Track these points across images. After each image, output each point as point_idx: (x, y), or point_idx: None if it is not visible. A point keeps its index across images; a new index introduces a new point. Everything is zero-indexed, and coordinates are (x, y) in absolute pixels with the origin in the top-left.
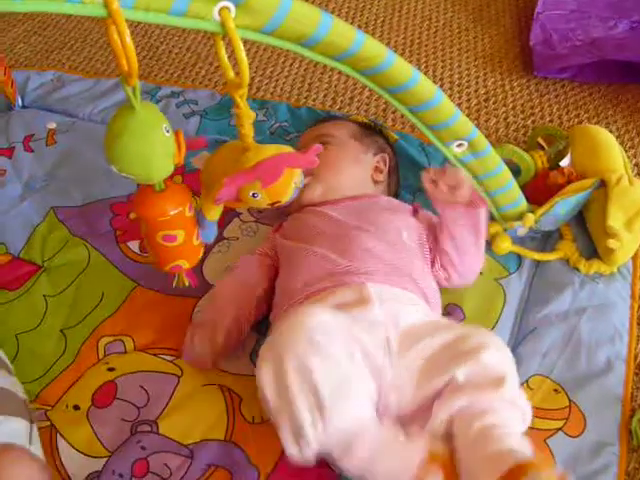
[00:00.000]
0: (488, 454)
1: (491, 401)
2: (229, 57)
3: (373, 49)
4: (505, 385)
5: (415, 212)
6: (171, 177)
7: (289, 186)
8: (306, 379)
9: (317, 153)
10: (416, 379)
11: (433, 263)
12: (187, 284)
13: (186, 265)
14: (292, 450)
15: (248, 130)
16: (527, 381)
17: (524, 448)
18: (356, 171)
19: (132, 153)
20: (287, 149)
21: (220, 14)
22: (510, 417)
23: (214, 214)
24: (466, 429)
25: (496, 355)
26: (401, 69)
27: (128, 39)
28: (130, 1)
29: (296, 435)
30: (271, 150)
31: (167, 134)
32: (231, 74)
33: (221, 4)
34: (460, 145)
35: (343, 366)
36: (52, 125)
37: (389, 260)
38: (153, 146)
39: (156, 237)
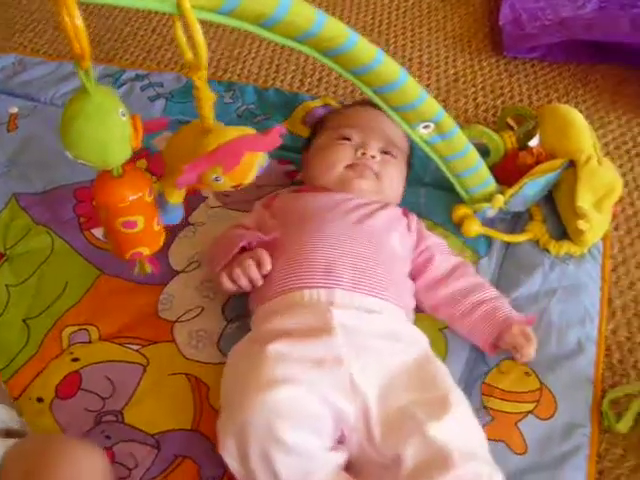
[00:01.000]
0: None
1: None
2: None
3: (335, 29)
4: (455, 465)
5: (405, 214)
6: (134, 160)
7: (252, 168)
8: (269, 468)
9: (280, 135)
10: (370, 435)
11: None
12: (149, 271)
13: (147, 251)
14: None
15: (208, 112)
16: (498, 365)
17: None
18: (399, 195)
19: (87, 138)
20: (249, 131)
21: None
22: None
23: (177, 197)
24: None
25: (447, 427)
26: (364, 49)
27: (78, 21)
28: None
29: None
30: (232, 133)
31: (123, 118)
32: (189, 55)
33: None
34: (427, 127)
35: (306, 453)
36: (14, 110)
37: (365, 258)
38: (109, 130)
39: (116, 224)
